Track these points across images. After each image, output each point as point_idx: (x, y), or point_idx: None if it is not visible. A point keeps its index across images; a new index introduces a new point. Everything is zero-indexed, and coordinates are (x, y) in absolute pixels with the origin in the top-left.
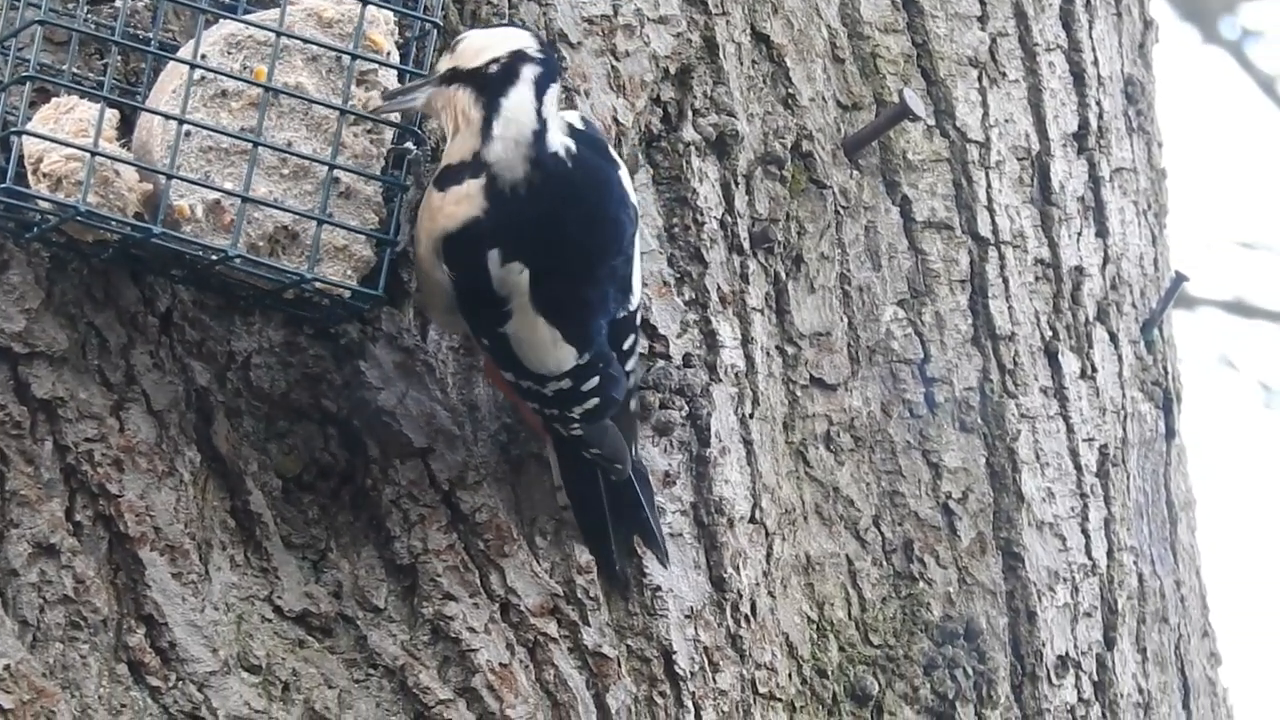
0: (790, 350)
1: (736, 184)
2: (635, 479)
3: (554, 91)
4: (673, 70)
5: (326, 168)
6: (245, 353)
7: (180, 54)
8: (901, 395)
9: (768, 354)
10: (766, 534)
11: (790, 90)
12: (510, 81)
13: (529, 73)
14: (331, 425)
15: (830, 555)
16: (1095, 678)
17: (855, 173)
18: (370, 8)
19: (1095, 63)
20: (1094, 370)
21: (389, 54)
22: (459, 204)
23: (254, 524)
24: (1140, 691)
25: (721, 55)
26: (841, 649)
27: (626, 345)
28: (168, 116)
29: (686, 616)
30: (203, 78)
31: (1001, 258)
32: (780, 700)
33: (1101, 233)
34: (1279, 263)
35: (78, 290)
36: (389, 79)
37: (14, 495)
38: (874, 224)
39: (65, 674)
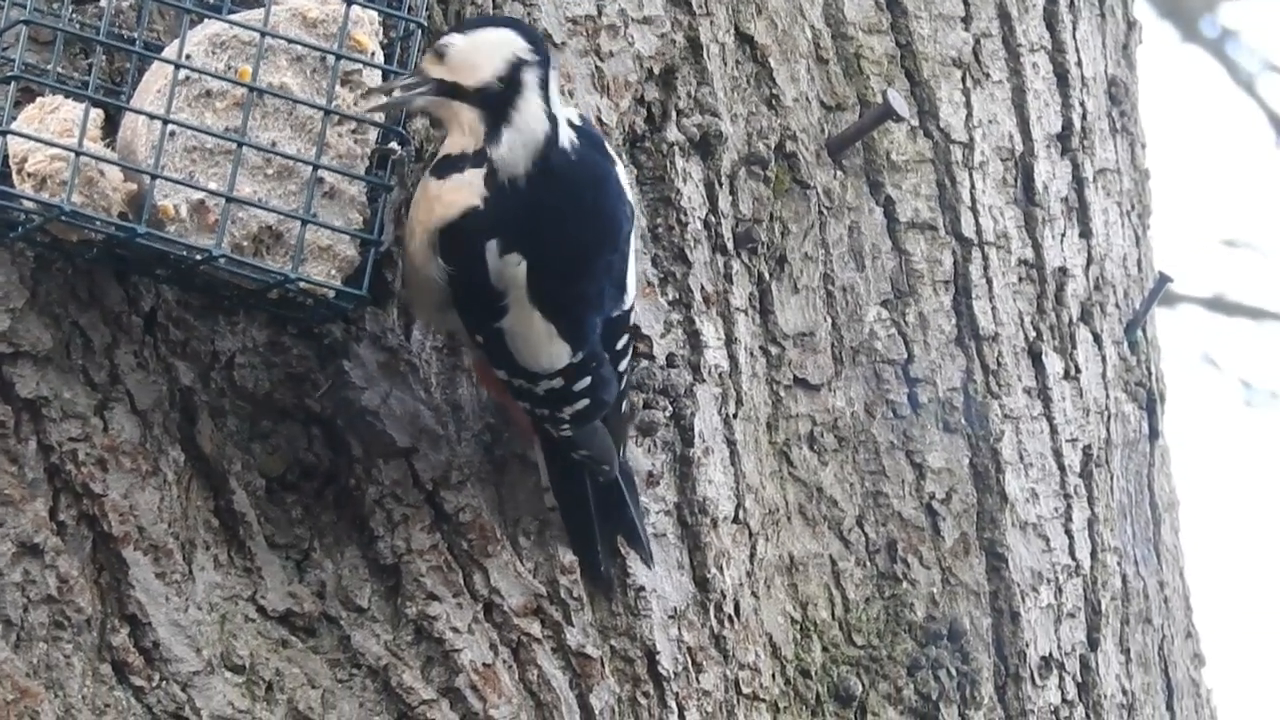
0: (774, 350)
1: (720, 184)
2: (621, 479)
3: (554, 79)
4: (657, 70)
5: (311, 168)
6: (229, 352)
7: (165, 54)
8: (885, 396)
9: (751, 354)
10: (750, 534)
11: (774, 91)
12: (516, 93)
13: (531, 77)
14: (315, 425)
15: (814, 556)
16: (1079, 679)
17: (839, 173)
18: (355, 8)
19: (1079, 63)
20: (1077, 371)
21: (373, 54)
22: (458, 192)
23: (238, 524)
24: (1124, 693)
25: (705, 56)
26: (825, 649)
27: (620, 345)
28: (152, 116)
29: (670, 617)
30: (187, 78)
31: (985, 258)
32: (764, 701)
33: (1085, 233)
34: (1260, 260)
35: (62, 290)
36: (373, 79)
37: None
38: (858, 224)
39: (49, 674)
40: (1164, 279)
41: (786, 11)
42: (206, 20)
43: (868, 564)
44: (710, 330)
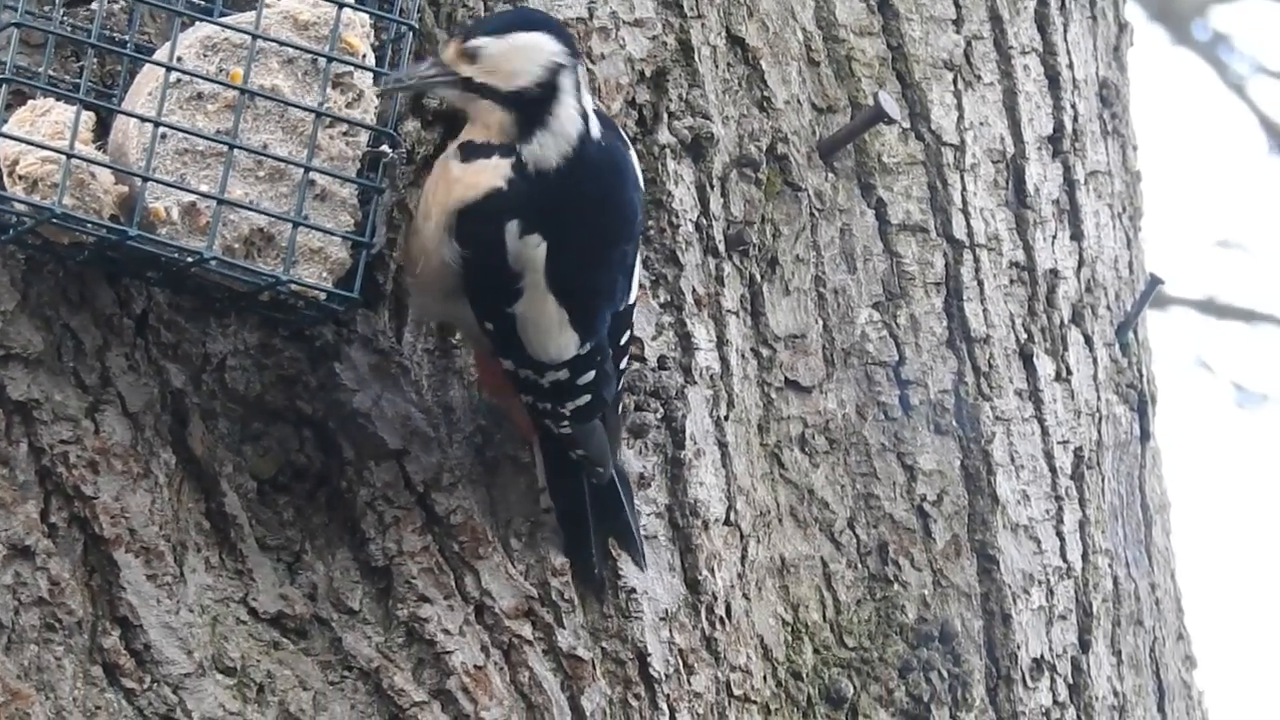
0: (765, 352)
1: (711, 186)
2: (617, 481)
3: (583, 73)
4: (648, 73)
5: (302, 170)
6: (220, 355)
7: (156, 56)
8: (876, 398)
9: (743, 356)
10: (741, 536)
11: (765, 93)
12: (553, 98)
13: (568, 81)
14: (307, 427)
15: (805, 558)
16: (1070, 680)
17: (830, 175)
18: (346, 10)
19: (1070, 66)
20: (1069, 373)
21: (364, 56)
22: (481, 174)
23: (229, 526)
24: (1115, 694)
25: (697, 58)
26: (816, 651)
27: (623, 340)
28: (143, 119)
29: (661, 619)
30: (179, 80)
31: (976, 260)
32: (755, 703)
33: (1076, 236)
34: (1251, 262)
35: (53, 292)
36: (365, 82)
37: None
38: (849, 227)
39: (40, 676)
40: (1155, 281)
41: (778, 14)
42: (198, 23)
43: (859, 566)
44: (702, 332)
